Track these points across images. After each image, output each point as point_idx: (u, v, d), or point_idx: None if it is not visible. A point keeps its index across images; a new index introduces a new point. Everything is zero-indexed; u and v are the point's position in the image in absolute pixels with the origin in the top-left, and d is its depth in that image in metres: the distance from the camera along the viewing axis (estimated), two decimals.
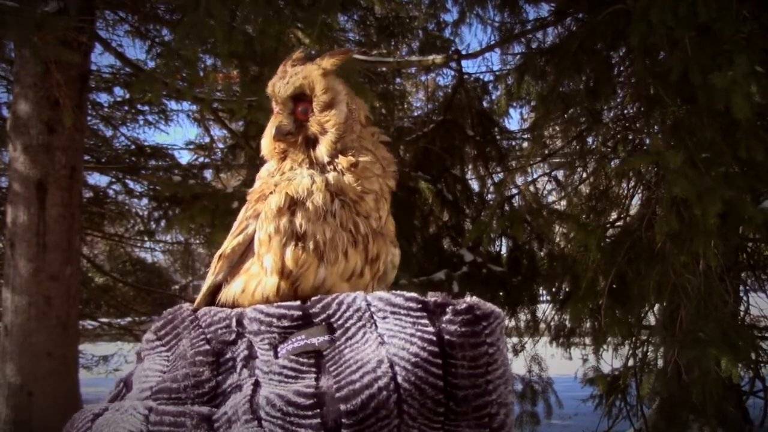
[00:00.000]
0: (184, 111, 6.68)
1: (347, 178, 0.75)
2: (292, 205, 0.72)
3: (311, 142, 0.77)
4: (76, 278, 4.29)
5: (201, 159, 6.61)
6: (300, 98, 0.78)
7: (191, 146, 6.85)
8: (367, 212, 0.76)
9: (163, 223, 6.22)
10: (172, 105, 6.46)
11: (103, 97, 6.27)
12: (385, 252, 0.78)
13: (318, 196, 0.72)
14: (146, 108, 6.23)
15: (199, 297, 0.78)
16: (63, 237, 4.07)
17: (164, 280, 7.74)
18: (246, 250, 0.75)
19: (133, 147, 6.34)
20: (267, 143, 0.80)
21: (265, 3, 3.27)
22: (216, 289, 0.77)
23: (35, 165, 4.00)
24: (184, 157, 6.87)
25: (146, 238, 7.19)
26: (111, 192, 6.66)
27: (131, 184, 6.44)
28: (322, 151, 0.76)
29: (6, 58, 4.92)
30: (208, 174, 6.52)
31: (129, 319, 7.21)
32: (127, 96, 6.03)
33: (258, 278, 0.72)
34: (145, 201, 6.69)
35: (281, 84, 0.78)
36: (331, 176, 0.74)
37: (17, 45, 3.81)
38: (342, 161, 0.75)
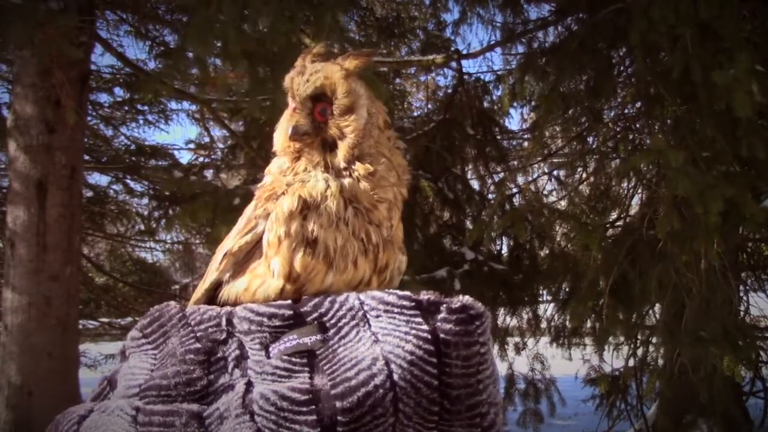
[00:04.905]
0: (184, 110, 6.69)
1: (363, 185, 0.72)
2: (305, 209, 0.69)
3: (328, 145, 0.74)
4: (76, 278, 4.29)
5: (201, 159, 6.60)
6: (319, 98, 0.74)
7: (191, 146, 6.84)
8: (379, 221, 0.73)
9: (163, 222, 6.21)
10: (172, 105, 6.47)
11: (103, 97, 6.27)
12: (393, 260, 0.76)
13: (332, 202, 0.70)
14: (146, 108, 6.23)
15: (199, 292, 0.76)
16: (63, 237, 4.06)
17: (164, 280, 7.72)
18: (252, 249, 0.73)
19: (133, 147, 6.34)
20: (281, 139, 0.77)
21: (277, 1, 3.22)
22: (218, 285, 0.75)
23: (35, 165, 4.00)
24: (185, 157, 6.86)
25: (147, 238, 7.18)
26: (111, 192, 6.66)
27: (132, 184, 6.44)
28: (339, 156, 0.73)
29: (6, 58, 4.92)
30: (208, 174, 6.52)
31: (130, 319, 7.19)
32: (128, 96, 6.03)
33: (263, 278, 0.70)
34: (145, 200, 6.70)
35: (300, 80, 0.74)
36: (346, 182, 0.72)
37: (18, 44, 3.81)
38: (359, 168, 0.72)
